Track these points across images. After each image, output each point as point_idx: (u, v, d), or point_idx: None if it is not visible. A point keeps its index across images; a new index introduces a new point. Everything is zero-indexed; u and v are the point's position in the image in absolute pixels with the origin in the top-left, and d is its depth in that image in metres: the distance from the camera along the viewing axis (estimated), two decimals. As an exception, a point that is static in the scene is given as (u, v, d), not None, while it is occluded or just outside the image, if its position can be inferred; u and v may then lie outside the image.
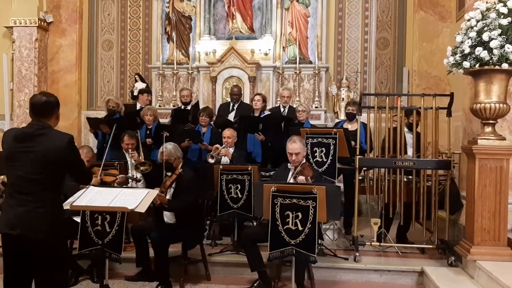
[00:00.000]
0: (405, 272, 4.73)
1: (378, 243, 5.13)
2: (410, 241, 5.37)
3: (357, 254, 4.90)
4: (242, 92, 7.14)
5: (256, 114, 6.35)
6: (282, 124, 5.96)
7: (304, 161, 4.33)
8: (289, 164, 4.42)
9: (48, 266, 2.77)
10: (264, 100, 6.44)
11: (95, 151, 6.78)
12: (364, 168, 5.35)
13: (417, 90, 7.65)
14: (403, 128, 5.21)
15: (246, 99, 7.47)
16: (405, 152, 5.16)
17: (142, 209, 3.42)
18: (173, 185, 4.57)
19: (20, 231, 2.71)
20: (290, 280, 4.04)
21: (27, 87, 8.38)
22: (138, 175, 5.32)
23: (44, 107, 2.89)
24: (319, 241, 4.98)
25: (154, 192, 3.71)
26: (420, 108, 5.12)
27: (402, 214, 5.11)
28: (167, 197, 4.49)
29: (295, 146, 4.29)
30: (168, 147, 4.69)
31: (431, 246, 5.12)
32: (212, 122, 6.36)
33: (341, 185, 6.19)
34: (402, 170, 5.02)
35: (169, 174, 4.59)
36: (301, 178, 4.07)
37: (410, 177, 5.15)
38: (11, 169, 2.82)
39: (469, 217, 4.38)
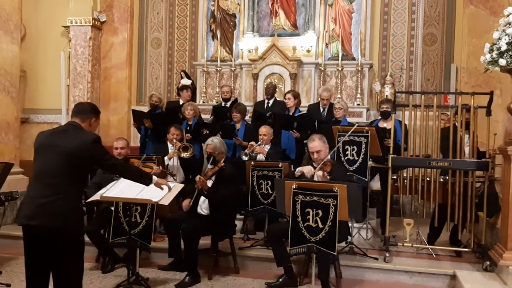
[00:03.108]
0: (436, 275, 4.62)
1: (410, 244, 5.04)
2: (464, 244, 5.17)
3: (387, 254, 4.83)
4: (276, 89, 7.20)
5: (291, 112, 6.38)
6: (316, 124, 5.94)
7: (329, 157, 4.32)
8: (314, 162, 4.44)
9: (64, 256, 2.91)
10: (296, 97, 6.47)
11: (139, 144, 7.12)
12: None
13: (466, 87, 7.34)
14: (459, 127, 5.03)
15: (288, 96, 7.50)
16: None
17: (166, 202, 3.59)
18: (213, 178, 4.72)
19: (38, 221, 2.85)
20: (315, 277, 4.06)
21: (82, 83, 8.85)
22: (174, 171, 5.53)
23: (82, 109, 3.16)
24: (348, 239, 4.97)
25: (179, 186, 3.86)
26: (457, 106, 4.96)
27: (437, 216, 5.00)
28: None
29: (314, 144, 4.30)
30: (215, 141, 4.86)
31: (467, 250, 4.96)
32: (245, 118, 6.46)
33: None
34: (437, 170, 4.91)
35: (211, 166, 4.74)
36: (319, 174, 4.08)
37: (447, 177, 5.01)
38: (37, 161, 3.01)
39: (503, 220, 4.22)
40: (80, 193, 3.10)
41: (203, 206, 4.78)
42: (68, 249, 2.90)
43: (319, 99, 7.37)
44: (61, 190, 2.89)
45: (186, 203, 4.75)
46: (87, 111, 3.15)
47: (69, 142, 2.93)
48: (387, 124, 5.74)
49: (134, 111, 6.90)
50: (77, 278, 3.00)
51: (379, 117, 6.83)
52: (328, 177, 4.01)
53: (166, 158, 5.68)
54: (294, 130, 6.14)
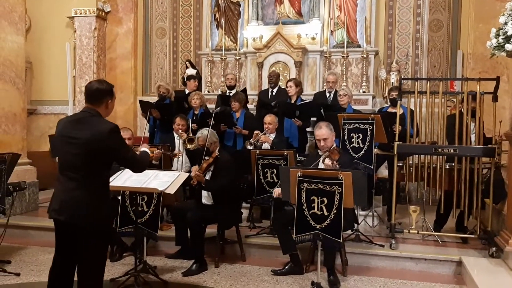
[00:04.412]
0: (442, 261, 4.62)
1: (416, 231, 5.04)
2: (470, 230, 5.16)
3: (393, 241, 4.84)
4: (279, 77, 7.17)
5: (293, 100, 6.37)
6: (322, 111, 5.92)
7: (334, 145, 4.32)
8: (319, 150, 4.44)
9: (87, 251, 2.90)
10: (298, 85, 6.44)
11: (147, 135, 7.14)
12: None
13: (472, 74, 7.28)
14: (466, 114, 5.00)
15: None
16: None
17: (171, 190, 3.60)
18: (211, 168, 4.74)
19: (66, 217, 2.86)
20: (321, 264, 4.08)
21: (87, 74, 8.87)
22: (176, 150, 5.58)
23: (95, 94, 2.96)
24: (354, 226, 4.97)
25: (185, 174, 3.88)
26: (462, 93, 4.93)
27: (443, 202, 5.00)
28: (206, 178, 4.68)
29: (322, 132, 4.29)
30: (204, 133, 4.86)
31: (473, 236, 4.96)
32: (249, 107, 6.47)
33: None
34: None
35: (207, 158, 4.76)
36: (327, 162, 4.07)
37: (453, 164, 4.99)
38: (59, 155, 2.97)
39: (509, 207, 4.21)
40: (103, 185, 2.99)
41: (206, 198, 4.82)
42: (90, 244, 2.89)
43: (324, 85, 7.35)
44: (83, 185, 2.84)
45: (195, 168, 4.70)
46: (99, 95, 2.96)
47: (85, 134, 2.83)
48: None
49: (141, 102, 6.92)
50: (99, 271, 3.00)
51: (385, 105, 6.82)
52: (338, 165, 4.00)
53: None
54: (296, 119, 6.13)
